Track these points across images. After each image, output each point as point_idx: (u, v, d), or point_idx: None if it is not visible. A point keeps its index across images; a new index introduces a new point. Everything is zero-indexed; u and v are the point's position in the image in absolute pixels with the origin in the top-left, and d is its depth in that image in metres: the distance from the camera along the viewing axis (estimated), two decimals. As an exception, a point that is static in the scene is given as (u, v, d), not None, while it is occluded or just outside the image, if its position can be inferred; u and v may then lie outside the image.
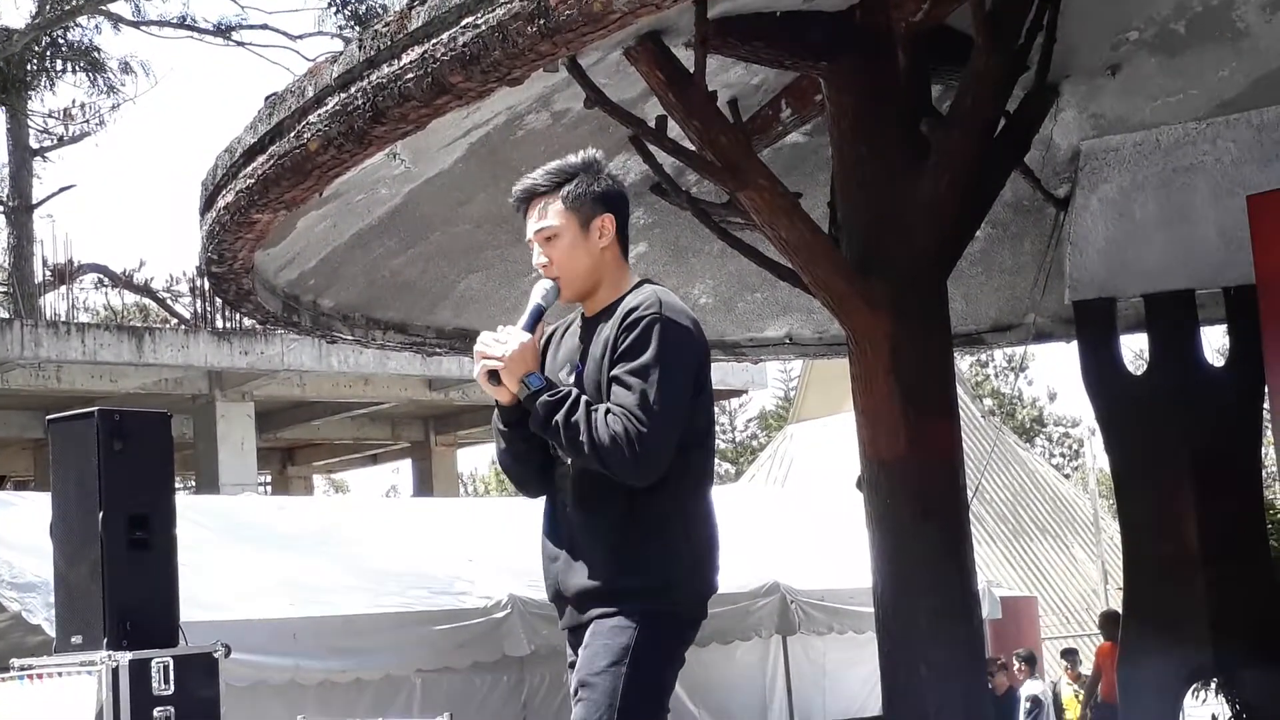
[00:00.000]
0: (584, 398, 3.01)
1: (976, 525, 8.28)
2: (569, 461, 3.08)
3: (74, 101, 27.15)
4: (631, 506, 3.02)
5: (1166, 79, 7.45)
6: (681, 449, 3.05)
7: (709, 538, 3.17)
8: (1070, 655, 14.59)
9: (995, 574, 16.62)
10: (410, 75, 4.63)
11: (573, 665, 3.16)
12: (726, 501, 13.48)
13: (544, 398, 3.01)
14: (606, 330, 3.07)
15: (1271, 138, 7.43)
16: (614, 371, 3.01)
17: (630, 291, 3.14)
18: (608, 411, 2.96)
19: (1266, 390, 7.21)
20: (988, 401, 35.59)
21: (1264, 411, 7.58)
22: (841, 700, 10.47)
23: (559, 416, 2.98)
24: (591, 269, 3.15)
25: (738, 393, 24.73)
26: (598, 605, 3.04)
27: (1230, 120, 7.53)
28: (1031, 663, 13.34)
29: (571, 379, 3.11)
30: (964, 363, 33.68)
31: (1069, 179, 8.09)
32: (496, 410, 3.19)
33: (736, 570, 10.00)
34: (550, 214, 3.15)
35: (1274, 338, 6.81)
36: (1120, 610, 14.84)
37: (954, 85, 6.70)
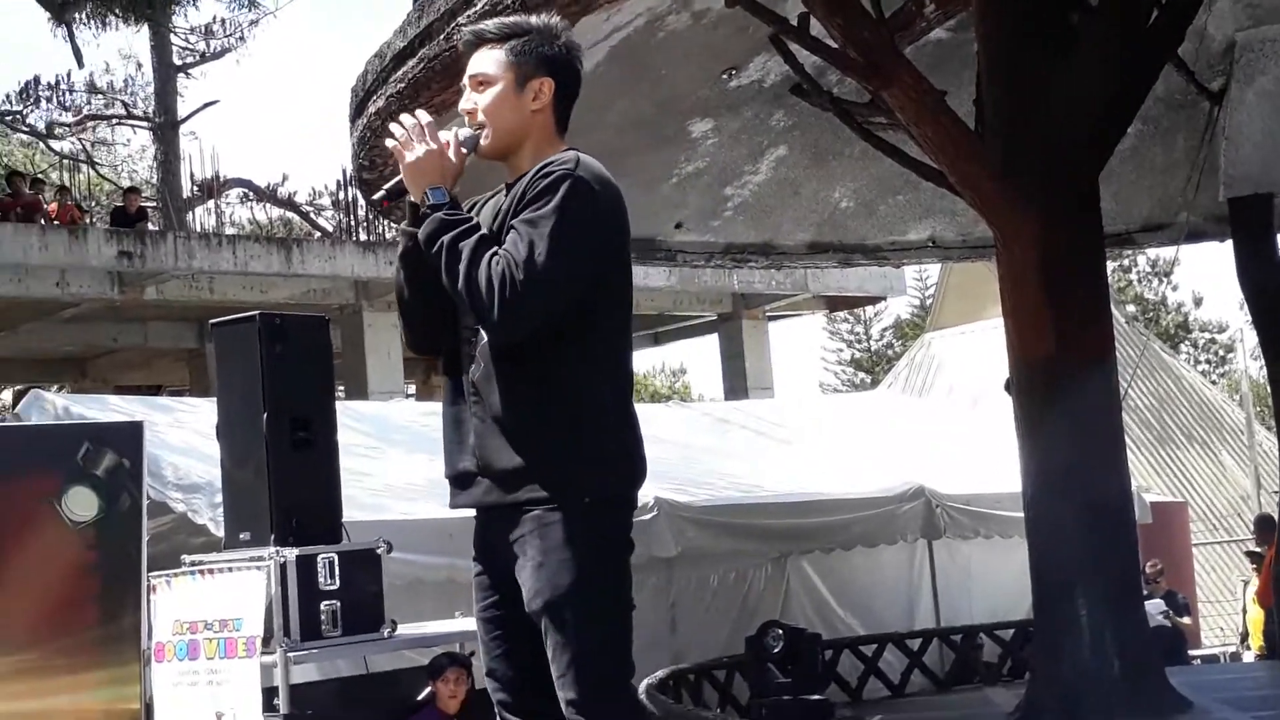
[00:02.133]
0: (483, 233, 2.84)
1: (1126, 435, 8.15)
2: (475, 324, 2.89)
3: (215, 17, 27.63)
4: (551, 380, 2.84)
5: (1331, -37, 7.17)
6: (589, 321, 2.86)
7: (631, 414, 2.96)
8: (1255, 557, 14.25)
9: (1142, 480, 16.35)
10: (559, -29, 4.63)
11: (479, 545, 3.00)
12: (866, 408, 13.44)
13: (440, 214, 2.84)
14: (516, 192, 2.89)
15: None
16: (512, 219, 2.84)
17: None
18: (494, 253, 2.78)
19: None
20: (1131, 308, 34.83)
21: None
22: (988, 604, 10.44)
23: (446, 238, 2.81)
24: (516, 127, 2.95)
25: (875, 299, 24.49)
26: (529, 494, 2.84)
27: (1399, 5, 7.24)
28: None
29: None
30: (1108, 268, 32.98)
31: (1224, 72, 7.85)
32: (384, 193, 3.05)
33: (880, 474, 9.99)
34: (489, 61, 2.96)
35: None
36: (1248, 520, 14.59)
37: (1106, -25, 6.51)
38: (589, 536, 2.84)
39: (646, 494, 8.37)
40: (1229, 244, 8.18)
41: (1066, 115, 6.33)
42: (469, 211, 2.97)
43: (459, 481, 2.99)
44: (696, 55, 7.15)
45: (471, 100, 2.98)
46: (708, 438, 10.55)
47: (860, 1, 6.03)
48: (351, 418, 8.38)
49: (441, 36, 5.27)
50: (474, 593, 3.02)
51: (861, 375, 41.07)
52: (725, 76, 7.58)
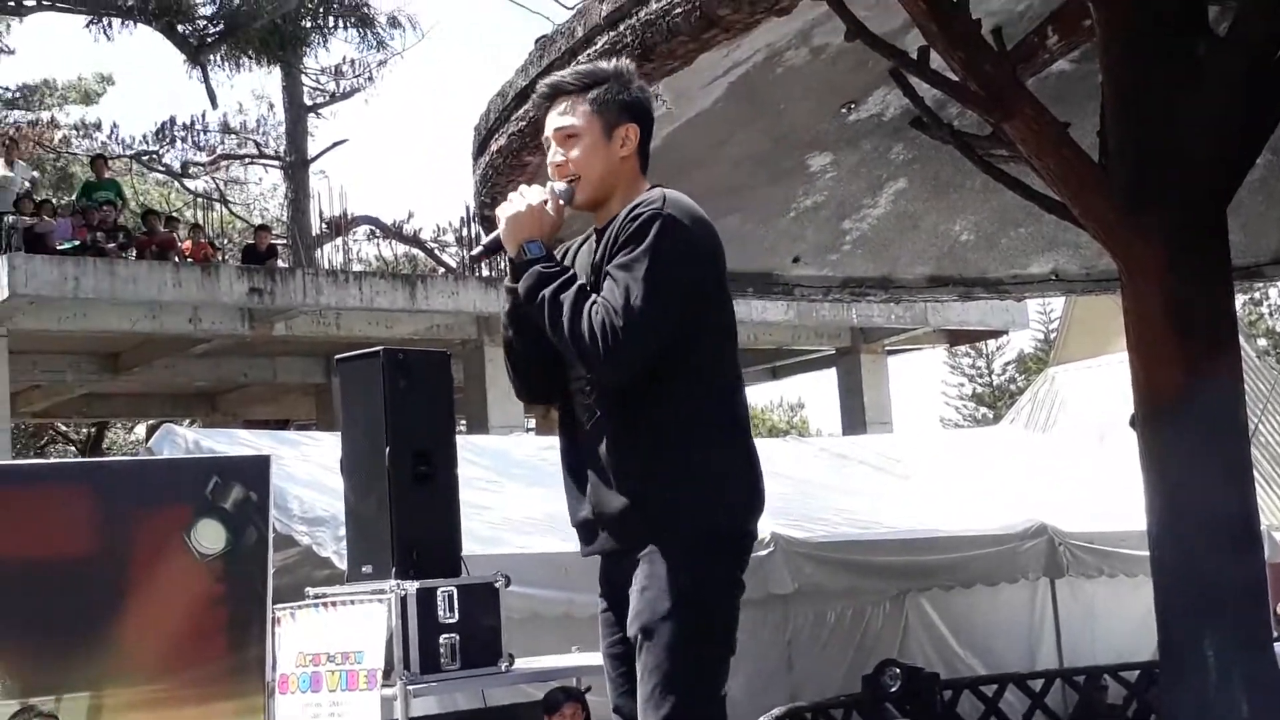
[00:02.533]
0: (581, 283, 2.88)
1: (1255, 470, 7.95)
2: (585, 373, 2.92)
3: (345, 58, 28.28)
4: (660, 425, 2.87)
5: None
6: (689, 351, 2.89)
7: (744, 447, 2.98)
8: None
9: (1274, 519, 15.92)
10: (679, 10, 4.67)
11: (605, 586, 3.05)
12: (987, 443, 13.27)
13: (538, 268, 2.89)
14: (609, 236, 2.93)
15: None
16: (607, 265, 2.88)
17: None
18: (593, 302, 2.83)
19: None
20: (1262, 341, 33.96)
21: None
22: (1112, 643, 10.23)
23: (547, 291, 2.86)
24: (608, 175, 3.00)
25: (997, 333, 24.20)
26: (638, 532, 2.89)
27: None
28: None
29: None
30: (1237, 301, 32.25)
31: (1359, 99, 7.64)
32: (481, 250, 3.14)
33: (1001, 511, 9.86)
34: (575, 113, 3.01)
35: None
36: None
37: (1230, 4, 6.40)
38: (693, 567, 2.87)
39: (764, 530, 8.35)
40: (1364, 276, 7.97)
41: (1193, 146, 6.22)
42: (561, 258, 3.02)
43: (583, 530, 3.06)
44: (815, 90, 7.15)
45: (560, 154, 3.03)
46: (825, 473, 10.50)
47: (982, 34, 5.99)
48: (472, 452, 8.49)
49: (561, 76, 5.35)
50: (600, 629, 3.09)
51: (983, 410, 40.55)
52: (844, 110, 7.57)
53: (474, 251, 3.17)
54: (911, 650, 9.18)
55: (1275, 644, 8.37)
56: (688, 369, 2.89)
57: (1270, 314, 39.45)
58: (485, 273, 18.01)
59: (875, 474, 10.79)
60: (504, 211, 2.97)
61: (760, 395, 42.75)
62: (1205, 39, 6.33)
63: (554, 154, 3.05)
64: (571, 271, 2.94)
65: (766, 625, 8.47)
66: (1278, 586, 12.54)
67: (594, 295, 2.85)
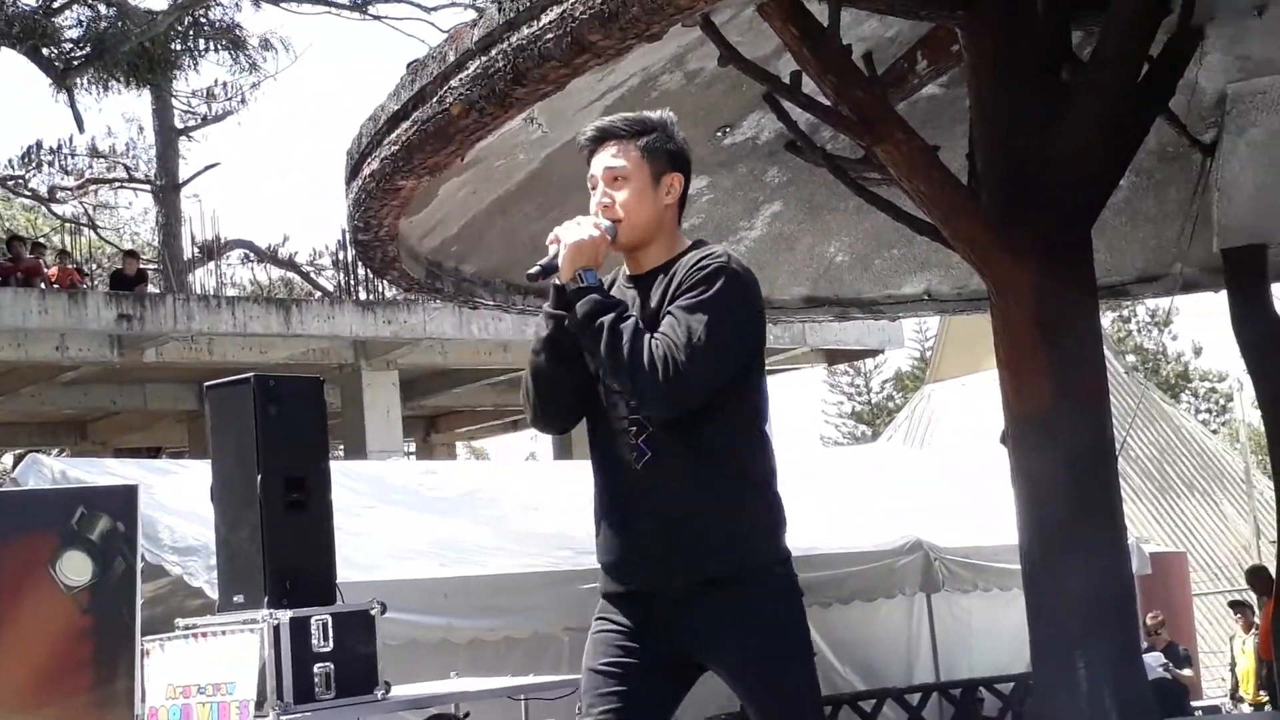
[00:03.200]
0: (637, 317, 2.96)
1: (1123, 482, 8.13)
2: (640, 412, 2.99)
3: (216, 80, 27.87)
4: (725, 462, 3.00)
5: (1317, 17, 7.22)
6: (750, 404, 3.05)
7: (777, 478, 3.15)
8: (1240, 607, 14.23)
9: (1143, 532, 16.31)
10: (550, 35, 4.67)
11: (630, 615, 3.08)
12: (865, 461, 13.43)
13: (595, 296, 2.97)
14: (667, 282, 3.03)
15: None
16: (669, 306, 2.97)
17: (691, 249, 3.11)
18: (653, 337, 2.92)
19: None
20: (1131, 358, 34.87)
21: None
22: (988, 657, 10.39)
23: (606, 319, 2.92)
24: (652, 221, 3.10)
25: (874, 352, 24.53)
26: (714, 568, 2.98)
27: (1387, 58, 7.29)
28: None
29: None
30: (1106, 319, 33.04)
31: (1215, 124, 7.89)
32: (539, 270, 3.09)
33: (878, 528, 9.97)
34: (626, 157, 3.09)
35: None
36: (1266, 564, 14.52)
37: (1094, 30, 6.57)
38: (786, 600, 3.06)
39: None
40: (1225, 294, 8.20)
41: (1058, 168, 6.36)
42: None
43: (623, 567, 3.09)
44: (690, 113, 7.20)
45: (609, 195, 3.10)
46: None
47: (852, 60, 6.08)
48: (348, 477, 8.38)
49: (434, 99, 5.31)
50: (601, 647, 3.10)
51: (862, 428, 41.05)
52: (719, 134, 7.63)
53: (531, 270, 3.11)
54: (792, 668, 9.23)
55: (1144, 655, 8.56)
56: (741, 417, 3.04)
57: (1138, 331, 40.51)
58: (363, 296, 17.85)
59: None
60: (567, 236, 3.02)
61: (642, 417, 42.92)
62: (1070, 64, 6.49)
63: (600, 195, 3.11)
64: (627, 305, 3.01)
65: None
66: (1146, 599, 12.85)
67: (651, 332, 2.94)
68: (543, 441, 26.38)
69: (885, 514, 10.44)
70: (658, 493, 2.99)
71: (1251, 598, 14.21)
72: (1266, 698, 12.79)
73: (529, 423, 3.29)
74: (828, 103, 6.22)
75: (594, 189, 3.14)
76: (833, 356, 22.98)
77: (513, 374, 19.40)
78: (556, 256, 3.04)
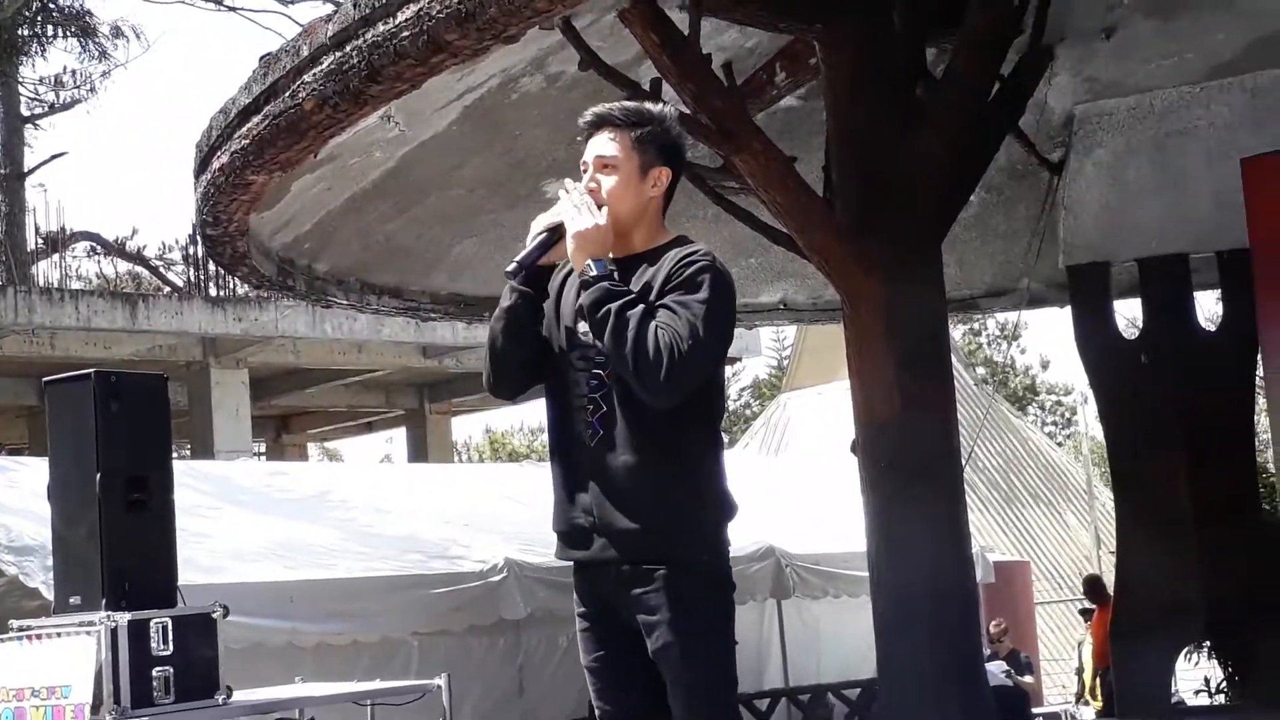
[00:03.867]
0: (645, 306, 3.06)
1: (970, 493, 8.30)
2: (597, 393, 3.12)
3: (65, 68, 27.08)
4: (673, 452, 3.11)
5: (1161, 42, 7.45)
6: (710, 402, 3.17)
7: (726, 474, 3.28)
8: (1089, 615, 14.60)
9: (988, 540, 16.68)
10: (406, 33, 4.62)
11: (587, 598, 3.22)
12: (721, 467, 13.49)
13: (607, 284, 3.07)
14: (649, 275, 3.13)
15: (1265, 102, 7.43)
16: (663, 299, 3.07)
17: (673, 242, 3.20)
18: (658, 326, 3.02)
19: (1260, 354, 7.23)
20: (981, 370, 35.62)
21: (1257, 376, 7.61)
22: (837, 663, 10.52)
23: (614, 305, 3.03)
24: (634, 211, 3.19)
25: (731, 360, 24.71)
26: (650, 551, 3.11)
27: (1224, 84, 7.54)
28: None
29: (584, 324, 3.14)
30: (957, 331, 33.76)
31: (1063, 143, 8.10)
32: (516, 266, 3.18)
33: (732, 534, 10.02)
34: (616, 146, 3.18)
35: (1268, 302, 6.83)
36: (1101, 574, 14.95)
37: (948, 48, 6.70)
38: (712, 590, 3.16)
39: (497, 555, 8.32)
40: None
41: (911, 183, 6.47)
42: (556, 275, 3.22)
43: (571, 536, 3.19)
44: (551, 116, 7.19)
45: (595, 181, 3.18)
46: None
47: (712, 69, 6.12)
48: (194, 477, 8.21)
49: (287, 94, 5.23)
50: (582, 644, 3.26)
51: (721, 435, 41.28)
52: (580, 139, 7.61)
53: (509, 267, 3.19)
54: (643, 673, 9.24)
55: (988, 664, 8.72)
56: (702, 409, 3.15)
57: (988, 344, 41.39)
58: (213, 292, 17.49)
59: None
60: (573, 225, 3.10)
61: (502, 419, 42.66)
62: (924, 81, 6.61)
63: (588, 179, 3.19)
64: (636, 293, 3.08)
65: (497, 651, 8.42)
66: (990, 607, 13.13)
67: (654, 319, 3.03)
68: (398, 443, 26.12)
69: (738, 521, 10.47)
70: (603, 471, 3.10)
71: (1067, 610, 14.59)
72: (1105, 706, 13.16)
73: (485, 387, 3.35)
74: (687, 111, 6.25)
75: (584, 173, 3.21)
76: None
77: (368, 374, 19.18)
78: (540, 246, 3.16)
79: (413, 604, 7.61)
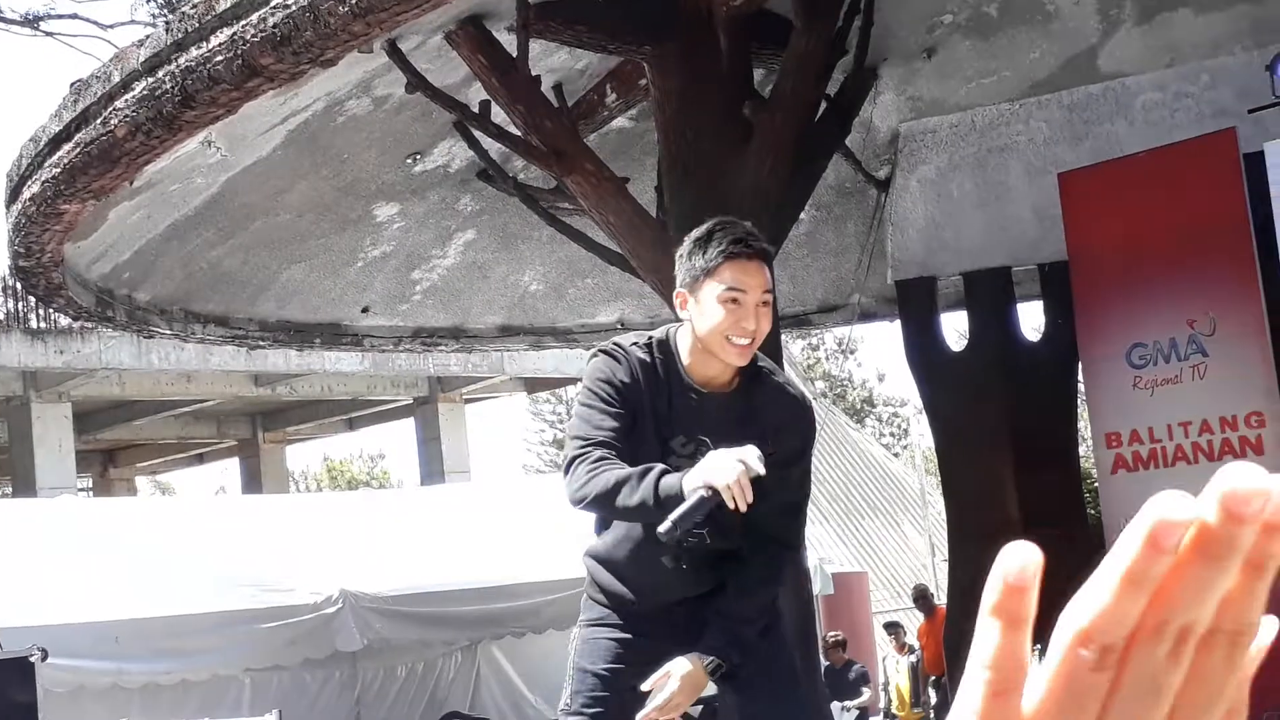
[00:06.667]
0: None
1: (810, 505, 8.37)
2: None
3: None
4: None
5: (980, 61, 7.63)
6: None
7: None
8: (894, 628, 14.89)
9: (828, 552, 16.88)
10: (219, 58, 4.50)
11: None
12: (563, 490, 13.42)
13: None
14: (749, 411, 3.16)
15: (1081, 117, 7.65)
16: (783, 474, 3.10)
17: (755, 370, 3.21)
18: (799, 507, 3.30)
19: (1080, 363, 7.44)
20: (819, 384, 36.15)
21: (1078, 383, 7.81)
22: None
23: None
24: None
25: (573, 380, 24.66)
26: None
27: (1042, 100, 7.74)
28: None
29: (697, 453, 3.09)
30: (795, 346, 34.19)
31: (889, 161, 8.24)
32: (671, 526, 2.95)
33: (573, 556, 9.97)
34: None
35: (1086, 312, 7.02)
36: (929, 584, 15.25)
37: (775, 68, 6.76)
38: None
39: (332, 586, 8.16)
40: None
41: (742, 202, 6.50)
42: (628, 389, 3.13)
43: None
44: (379, 139, 7.09)
45: (756, 320, 3.11)
46: (398, 525, 10.36)
47: (541, 91, 6.09)
48: (14, 516, 7.90)
49: (99, 120, 5.05)
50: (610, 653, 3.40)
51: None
52: (410, 161, 7.53)
53: (662, 528, 2.93)
54: (483, 699, 9.15)
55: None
56: None
57: (826, 359, 42.02)
58: (33, 324, 16.91)
59: (450, 524, 10.73)
60: (723, 479, 2.86)
61: (338, 447, 42.01)
62: (752, 101, 6.66)
63: (751, 315, 3.10)
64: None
65: (332, 683, 8.26)
66: (830, 618, 13.30)
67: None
68: (232, 474, 25.56)
69: (582, 541, 10.45)
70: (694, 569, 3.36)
71: (904, 618, 14.85)
72: (921, 715, 13.44)
73: (574, 498, 3.20)
74: (518, 133, 6.22)
75: (735, 302, 3.09)
76: (532, 385, 23.04)
77: (197, 404, 18.73)
78: (697, 508, 2.90)
79: (244, 639, 7.41)
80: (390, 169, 7.53)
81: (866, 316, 9.88)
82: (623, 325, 10.53)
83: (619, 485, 2.98)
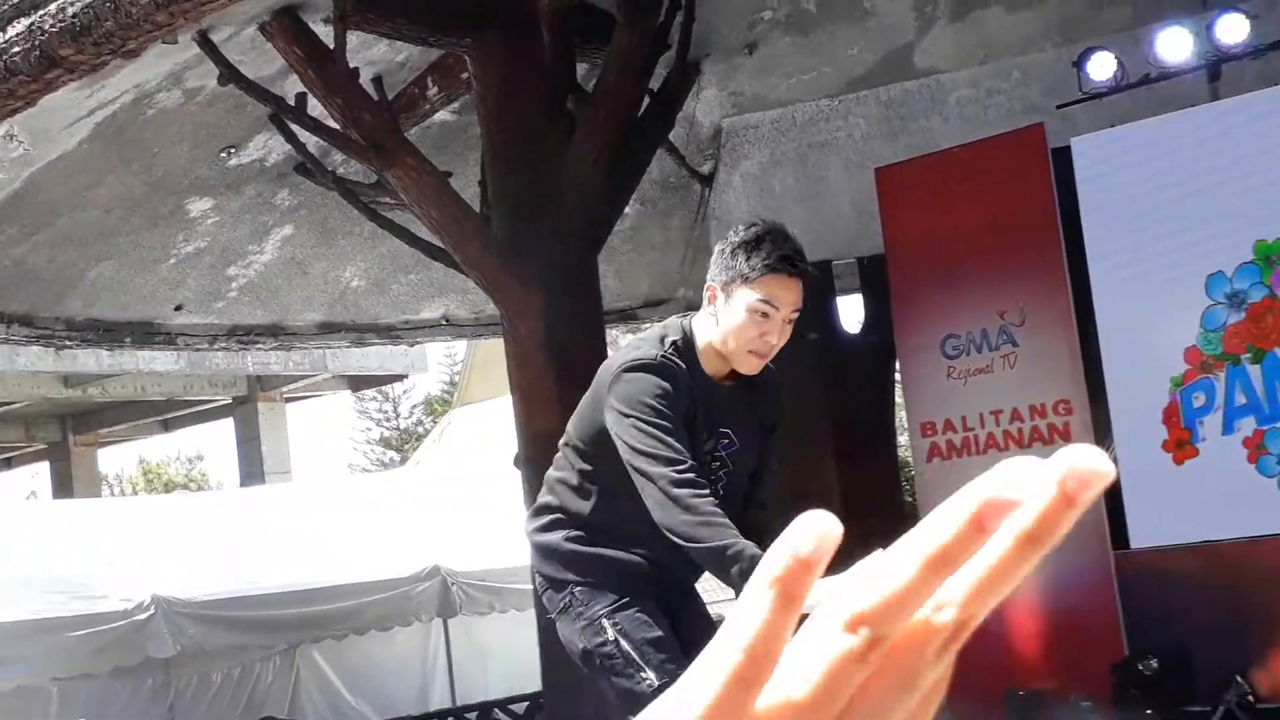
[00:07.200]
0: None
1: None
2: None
3: None
4: None
5: (800, 57, 7.73)
6: None
7: None
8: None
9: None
10: (17, 49, 4.33)
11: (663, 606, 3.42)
12: (387, 489, 13.28)
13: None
14: (762, 392, 3.32)
15: (898, 113, 7.80)
16: (776, 440, 3.37)
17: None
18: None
19: (897, 354, 7.59)
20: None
21: (895, 373, 7.98)
22: (505, 679, 10.47)
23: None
24: None
25: (399, 377, 24.38)
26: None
27: (860, 96, 7.87)
28: None
29: (718, 446, 3.25)
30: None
31: (712, 155, 8.30)
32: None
33: (397, 556, 9.87)
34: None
35: (902, 304, 7.15)
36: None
37: (598, 63, 6.76)
38: None
39: (144, 592, 7.92)
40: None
41: (566, 197, 6.49)
42: (675, 397, 3.15)
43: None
44: (192, 133, 6.90)
45: (780, 334, 3.19)
46: (214, 528, 10.11)
47: (360, 84, 5.98)
48: None
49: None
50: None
51: (391, 454, 40.71)
52: (224, 155, 7.35)
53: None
54: (302, 703, 8.99)
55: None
56: None
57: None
58: None
59: (267, 526, 10.52)
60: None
61: (155, 449, 40.86)
62: (575, 95, 6.64)
63: (776, 330, 3.18)
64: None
65: (144, 691, 8.03)
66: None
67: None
68: (42, 479, 24.68)
69: (405, 541, 10.34)
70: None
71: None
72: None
73: (682, 534, 3.16)
74: (336, 126, 6.10)
75: (765, 315, 3.17)
76: (356, 383, 22.69)
77: (4, 406, 18.03)
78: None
79: (50, 648, 7.16)
80: (204, 163, 7.33)
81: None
82: (448, 321, 10.44)
83: (723, 550, 3.05)
